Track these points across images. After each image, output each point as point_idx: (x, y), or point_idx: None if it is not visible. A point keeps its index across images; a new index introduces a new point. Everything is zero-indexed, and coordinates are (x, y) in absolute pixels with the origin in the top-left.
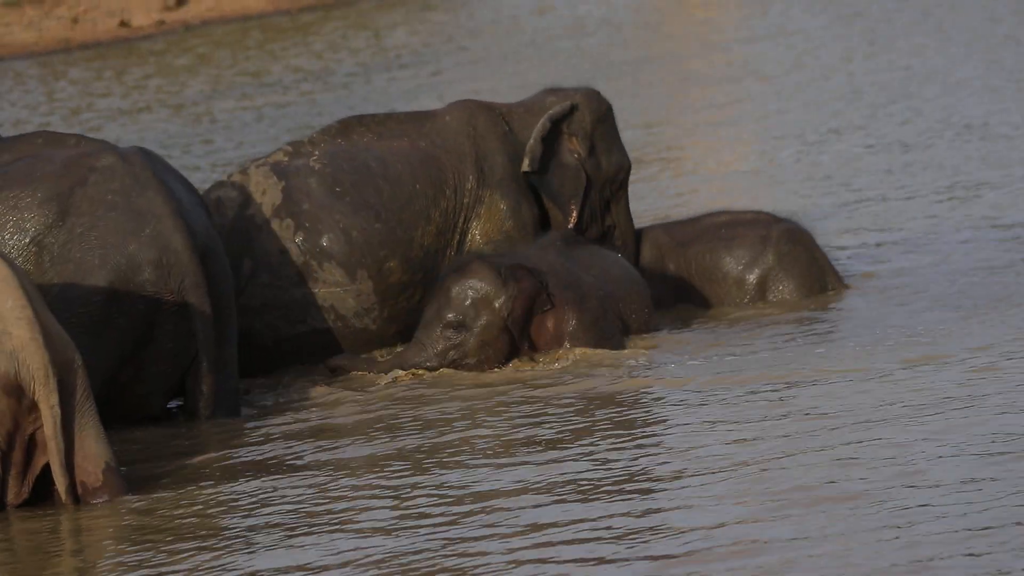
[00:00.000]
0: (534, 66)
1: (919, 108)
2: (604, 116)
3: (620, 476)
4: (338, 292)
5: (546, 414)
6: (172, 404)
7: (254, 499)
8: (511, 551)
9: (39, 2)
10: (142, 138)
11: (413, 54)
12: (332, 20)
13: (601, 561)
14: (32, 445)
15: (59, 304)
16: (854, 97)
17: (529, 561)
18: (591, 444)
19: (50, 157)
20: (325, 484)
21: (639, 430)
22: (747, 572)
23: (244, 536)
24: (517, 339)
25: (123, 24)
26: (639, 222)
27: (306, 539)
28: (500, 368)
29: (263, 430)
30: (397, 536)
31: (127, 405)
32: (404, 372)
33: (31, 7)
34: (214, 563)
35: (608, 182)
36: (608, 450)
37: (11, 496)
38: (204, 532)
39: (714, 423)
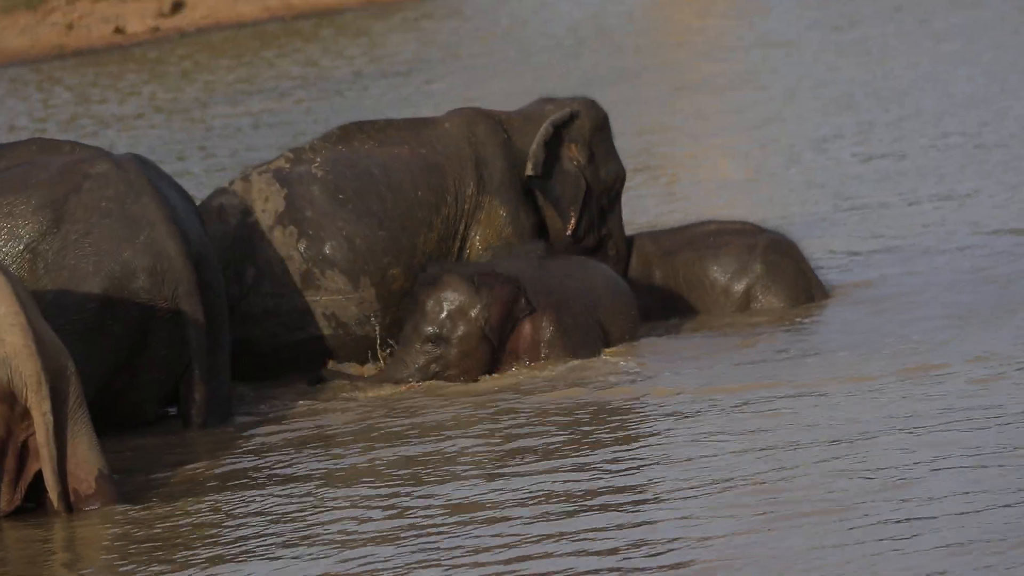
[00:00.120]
0: (528, 75)
1: (912, 117)
2: (602, 124)
3: (609, 488)
4: (340, 300)
5: (534, 425)
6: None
7: (247, 509)
8: (504, 562)
9: (33, 8)
10: (137, 145)
11: (407, 62)
12: (326, 27)
13: (592, 573)
14: (25, 452)
15: (53, 311)
16: (847, 106)
17: (521, 573)
18: (580, 456)
19: (45, 164)
20: (316, 495)
21: (630, 442)
22: None
23: (237, 546)
24: (497, 346)
25: (118, 31)
26: (630, 231)
27: (298, 550)
28: (486, 378)
29: (256, 439)
30: (389, 547)
31: (121, 412)
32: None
33: (25, 13)
34: (205, 574)
35: (605, 191)
36: (598, 461)
37: (3, 503)
38: (196, 542)
39: (705, 434)
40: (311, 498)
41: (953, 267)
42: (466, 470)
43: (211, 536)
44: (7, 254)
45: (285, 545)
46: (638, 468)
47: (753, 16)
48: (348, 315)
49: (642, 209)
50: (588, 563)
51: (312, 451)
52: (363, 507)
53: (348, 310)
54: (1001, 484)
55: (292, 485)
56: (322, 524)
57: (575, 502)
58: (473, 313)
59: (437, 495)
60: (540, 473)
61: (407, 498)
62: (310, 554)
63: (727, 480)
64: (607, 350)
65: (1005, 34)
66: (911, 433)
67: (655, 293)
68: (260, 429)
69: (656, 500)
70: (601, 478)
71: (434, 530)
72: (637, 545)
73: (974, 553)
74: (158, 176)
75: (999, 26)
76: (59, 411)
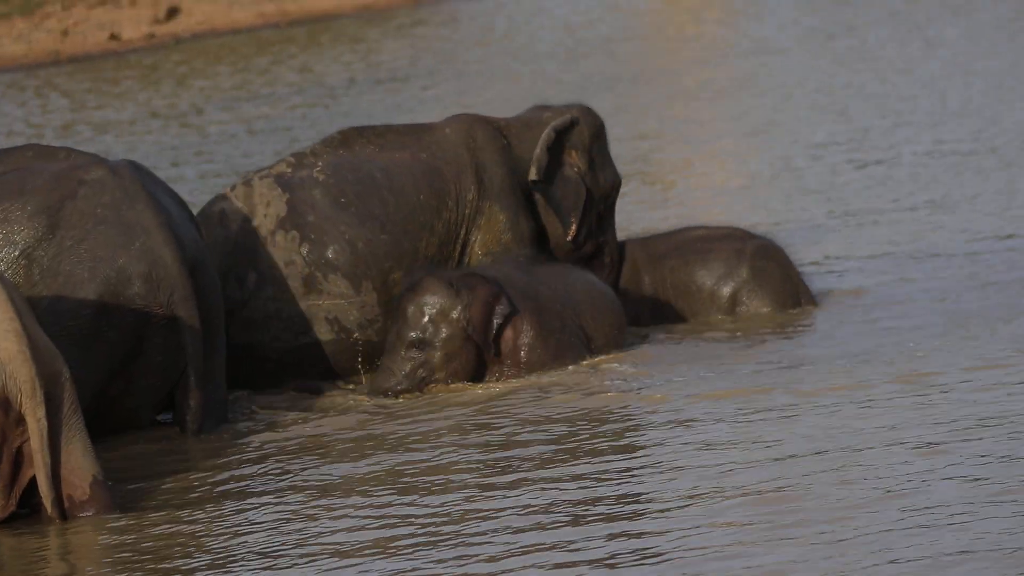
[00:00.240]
0: (523, 81)
1: (907, 124)
2: (599, 132)
3: (604, 497)
4: (342, 304)
5: (528, 433)
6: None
7: (242, 517)
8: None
9: (29, 14)
10: (133, 150)
11: (402, 68)
12: (321, 33)
13: None
14: (19, 458)
15: (48, 317)
16: (841, 113)
17: None
18: (574, 465)
19: (40, 170)
20: (311, 504)
21: (624, 451)
22: None
23: (231, 555)
24: (483, 346)
25: (113, 37)
26: (623, 237)
27: (292, 559)
28: (480, 386)
29: (252, 446)
30: (383, 558)
31: (116, 419)
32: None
33: (21, 19)
34: None
35: (603, 197)
36: (592, 471)
37: None
38: (190, 550)
39: (700, 443)
40: (306, 507)
41: (948, 274)
42: (461, 479)
43: (205, 545)
44: (2, 260)
45: (279, 555)
46: (632, 477)
47: (748, 23)
48: (350, 319)
49: (636, 215)
50: (582, 572)
51: (307, 459)
52: (358, 516)
53: (350, 314)
54: (998, 492)
55: (287, 494)
56: (316, 534)
57: (569, 511)
58: (454, 315)
59: (432, 505)
60: (534, 482)
61: (401, 507)
62: (305, 563)
63: (723, 489)
64: (602, 358)
65: (1000, 41)
66: (905, 442)
67: (644, 299)
68: (256, 436)
69: (651, 510)
70: (595, 487)
71: (429, 540)
72: (632, 555)
73: (972, 562)
74: (153, 182)
75: (994, 33)
76: (54, 417)
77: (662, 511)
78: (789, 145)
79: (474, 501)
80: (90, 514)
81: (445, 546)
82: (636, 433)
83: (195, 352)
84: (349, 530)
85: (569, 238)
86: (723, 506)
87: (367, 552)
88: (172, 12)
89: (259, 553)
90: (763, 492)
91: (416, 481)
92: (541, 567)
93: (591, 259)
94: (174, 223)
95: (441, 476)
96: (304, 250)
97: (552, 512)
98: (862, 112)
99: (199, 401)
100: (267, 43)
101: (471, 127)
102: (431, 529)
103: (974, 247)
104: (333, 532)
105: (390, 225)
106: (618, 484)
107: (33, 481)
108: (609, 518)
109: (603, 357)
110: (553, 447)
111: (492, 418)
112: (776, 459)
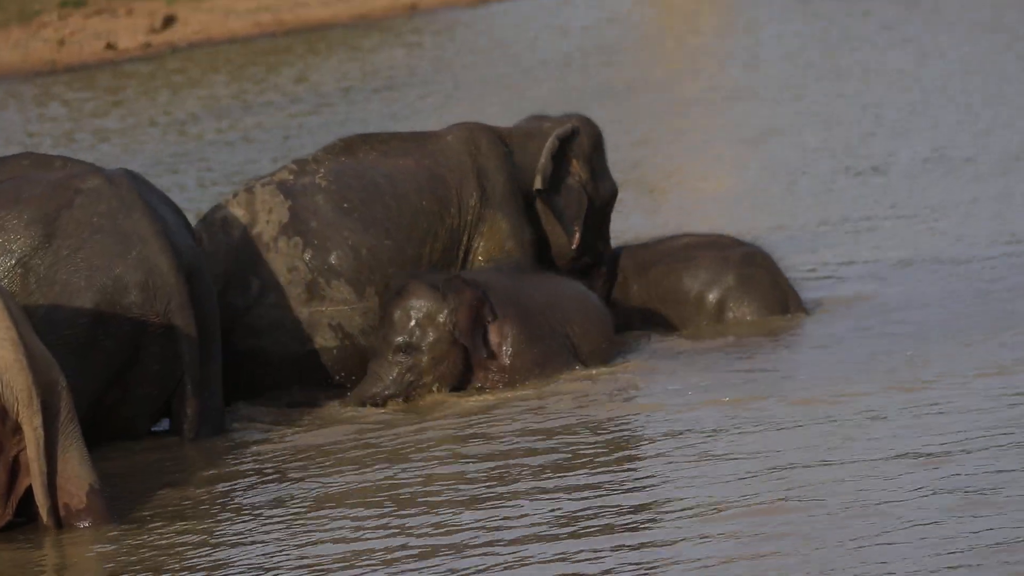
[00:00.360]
0: (519, 90)
1: (902, 132)
2: (598, 141)
3: (602, 508)
4: (345, 310)
5: (524, 444)
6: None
7: (239, 527)
8: None
9: (26, 23)
10: (131, 159)
11: (399, 77)
12: (317, 42)
13: None
14: (15, 467)
15: (45, 326)
16: (837, 121)
17: None
18: (570, 475)
19: (36, 179)
20: (307, 514)
21: (621, 462)
22: None
23: (228, 563)
24: (470, 350)
25: (109, 47)
26: (615, 244)
27: (287, 571)
28: (474, 396)
29: (248, 455)
30: (380, 569)
31: (113, 427)
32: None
33: (18, 28)
34: None
35: (602, 206)
36: (589, 482)
37: None
38: (186, 559)
39: (695, 453)
40: (302, 517)
41: (944, 281)
42: (458, 490)
43: (202, 554)
44: None
45: (276, 565)
46: (629, 488)
47: (745, 32)
48: (353, 325)
49: (631, 223)
50: None
51: (304, 468)
52: (355, 528)
53: (353, 320)
54: (993, 501)
55: (283, 503)
56: (312, 544)
57: (568, 522)
58: (441, 318)
59: (428, 516)
60: (531, 493)
61: (398, 518)
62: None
63: (720, 500)
64: (599, 369)
65: (996, 50)
66: (902, 451)
67: (632, 307)
68: (253, 445)
69: (649, 521)
70: (592, 498)
71: (426, 551)
72: (632, 566)
73: (965, 570)
74: (149, 191)
75: (990, 43)
76: (50, 426)
77: (659, 522)
78: (785, 153)
79: (471, 512)
80: (86, 523)
81: (442, 558)
82: (633, 444)
83: (192, 360)
84: (346, 541)
85: (573, 246)
86: (720, 517)
87: (364, 563)
88: (168, 21)
89: (255, 564)
90: (760, 503)
91: (414, 492)
92: None
93: (589, 268)
94: (170, 231)
95: (439, 487)
96: (307, 256)
97: (551, 524)
98: (857, 120)
99: (196, 409)
100: (263, 52)
101: (474, 135)
102: (427, 541)
103: (970, 254)
104: (330, 543)
105: (394, 231)
106: (616, 495)
107: (30, 490)
108: (608, 529)
109: (599, 368)
110: (550, 457)
111: (488, 428)
112: (772, 469)
